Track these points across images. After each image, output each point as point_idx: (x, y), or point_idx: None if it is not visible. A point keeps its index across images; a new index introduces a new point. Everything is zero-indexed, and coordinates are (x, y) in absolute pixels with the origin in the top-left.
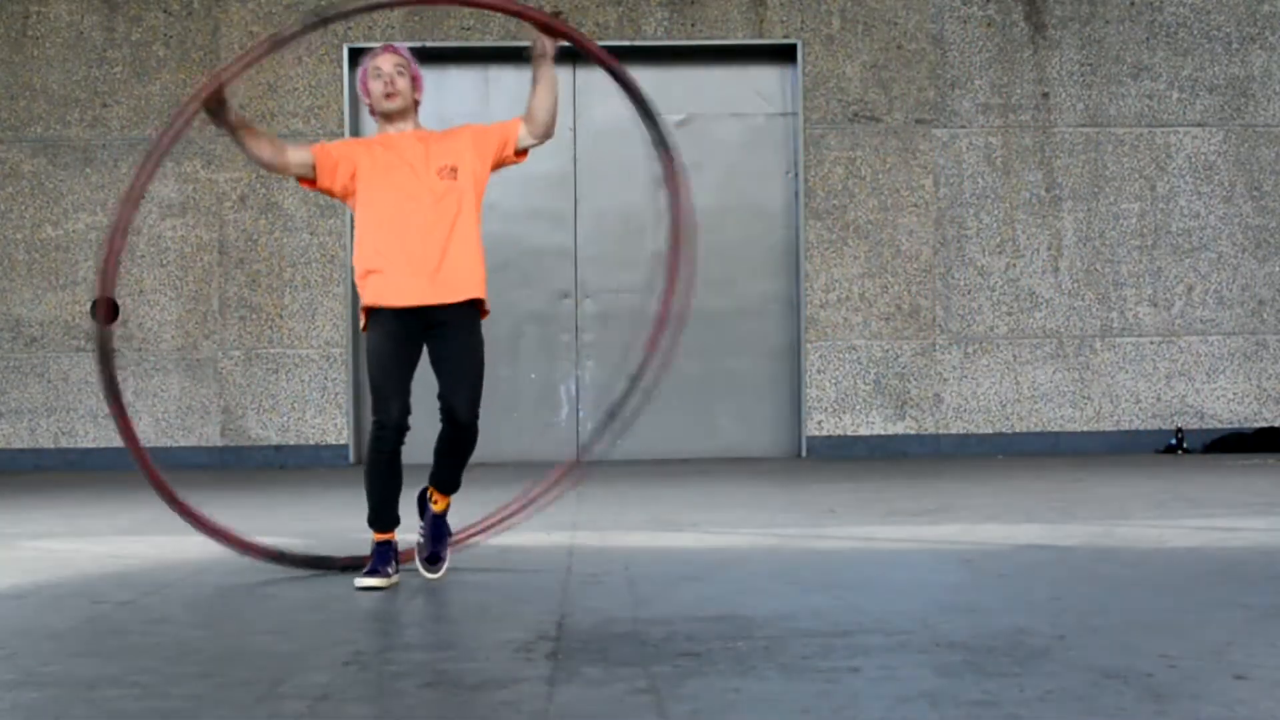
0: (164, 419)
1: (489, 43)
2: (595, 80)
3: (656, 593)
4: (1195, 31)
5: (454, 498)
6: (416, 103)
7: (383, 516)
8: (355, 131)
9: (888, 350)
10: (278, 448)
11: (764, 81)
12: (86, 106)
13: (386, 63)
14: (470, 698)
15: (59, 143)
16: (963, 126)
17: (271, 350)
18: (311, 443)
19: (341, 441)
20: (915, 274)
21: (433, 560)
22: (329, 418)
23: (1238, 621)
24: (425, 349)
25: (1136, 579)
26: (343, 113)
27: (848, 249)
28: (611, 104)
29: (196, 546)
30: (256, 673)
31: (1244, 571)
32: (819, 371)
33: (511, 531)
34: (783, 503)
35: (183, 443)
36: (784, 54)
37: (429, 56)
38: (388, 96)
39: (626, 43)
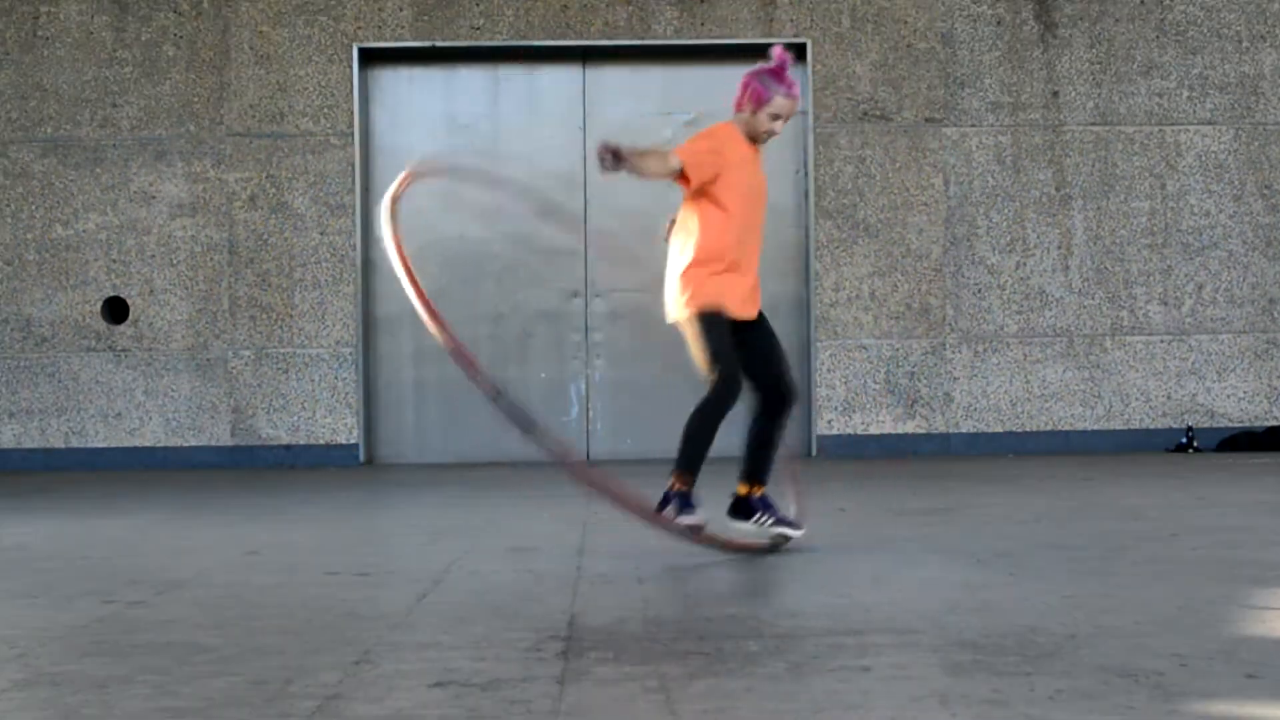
0: (174, 418)
1: (498, 42)
2: (604, 79)
3: (667, 592)
4: (1205, 30)
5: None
6: None
7: (697, 464)
8: (365, 132)
9: (898, 349)
10: (288, 447)
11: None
12: (96, 107)
13: (789, 109)
14: (480, 697)
15: (69, 143)
16: (973, 125)
17: (282, 350)
18: (322, 442)
19: (352, 441)
20: (925, 273)
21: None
22: (339, 417)
23: (1249, 620)
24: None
25: (1147, 578)
26: (352, 112)
27: (857, 248)
28: (621, 103)
29: (207, 547)
30: (267, 672)
31: (1255, 571)
32: (829, 370)
33: (519, 531)
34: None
35: (193, 442)
36: (794, 52)
37: (438, 56)
38: (770, 134)
39: (636, 41)
